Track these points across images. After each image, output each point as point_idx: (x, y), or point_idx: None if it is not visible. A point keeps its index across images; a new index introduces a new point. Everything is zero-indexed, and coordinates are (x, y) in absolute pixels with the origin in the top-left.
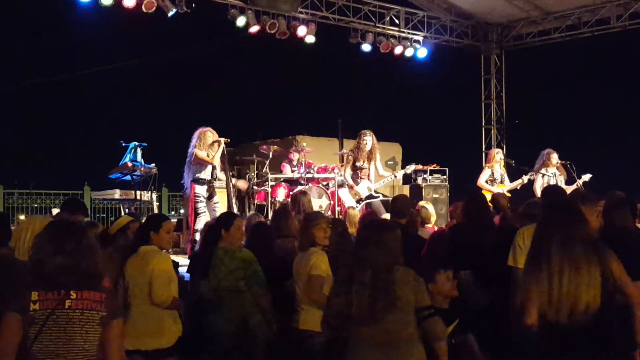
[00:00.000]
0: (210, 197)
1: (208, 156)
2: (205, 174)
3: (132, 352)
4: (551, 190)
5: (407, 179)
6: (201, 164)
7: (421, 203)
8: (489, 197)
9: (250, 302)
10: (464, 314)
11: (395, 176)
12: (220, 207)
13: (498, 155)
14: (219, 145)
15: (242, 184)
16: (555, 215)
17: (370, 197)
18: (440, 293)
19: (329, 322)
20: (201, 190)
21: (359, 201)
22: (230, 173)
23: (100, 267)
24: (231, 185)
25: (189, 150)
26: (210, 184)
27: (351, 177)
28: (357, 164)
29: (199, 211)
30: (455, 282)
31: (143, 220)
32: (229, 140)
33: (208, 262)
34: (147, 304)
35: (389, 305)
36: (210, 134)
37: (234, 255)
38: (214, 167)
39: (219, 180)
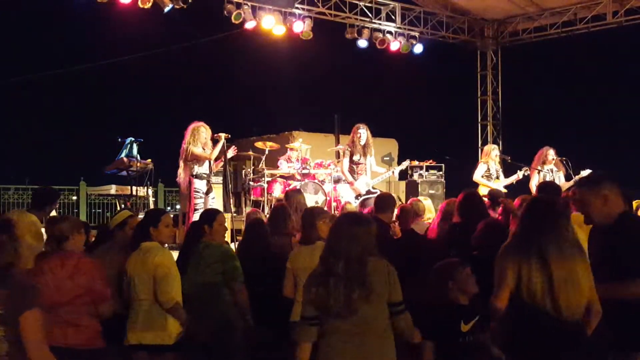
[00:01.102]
0: (207, 192)
1: (204, 151)
2: (204, 169)
3: (136, 347)
4: (546, 187)
5: (403, 175)
6: (198, 159)
7: (419, 198)
8: (485, 191)
9: (227, 297)
10: (483, 312)
11: (392, 172)
12: (216, 203)
13: (494, 151)
14: (219, 140)
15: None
16: (542, 212)
17: (369, 192)
18: (460, 290)
19: (304, 314)
20: (201, 185)
21: (357, 197)
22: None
23: (16, 262)
24: (229, 182)
25: (183, 145)
26: (209, 179)
27: (349, 172)
28: (354, 158)
29: (197, 207)
30: (474, 278)
31: (138, 216)
32: (229, 136)
33: (187, 258)
34: (150, 300)
35: (364, 296)
36: (204, 129)
37: (214, 249)
38: (210, 162)
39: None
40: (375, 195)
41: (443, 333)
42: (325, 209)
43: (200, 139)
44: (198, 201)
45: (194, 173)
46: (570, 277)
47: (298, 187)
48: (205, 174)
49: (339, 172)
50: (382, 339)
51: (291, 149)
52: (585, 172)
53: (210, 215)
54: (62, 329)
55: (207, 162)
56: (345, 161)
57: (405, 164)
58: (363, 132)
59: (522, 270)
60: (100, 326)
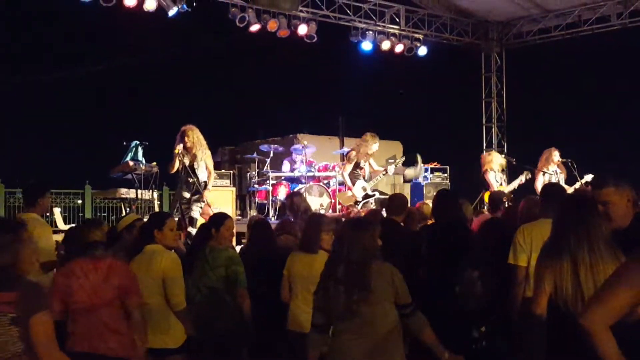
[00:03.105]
0: (193, 196)
1: (175, 163)
2: (184, 174)
3: None
4: (551, 188)
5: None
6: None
7: (426, 202)
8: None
9: (228, 301)
10: (494, 317)
11: (386, 171)
12: (198, 208)
13: (497, 160)
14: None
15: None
16: (574, 209)
17: (366, 196)
18: (468, 294)
19: (313, 320)
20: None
21: (356, 203)
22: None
23: (18, 264)
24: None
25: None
26: (191, 183)
27: (349, 176)
28: (359, 164)
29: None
30: (484, 282)
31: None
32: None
33: (193, 259)
34: (155, 303)
35: (363, 298)
36: (191, 132)
37: (219, 253)
38: (194, 168)
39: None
40: (373, 197)
41: (453, 339)
42: (330, 211)
43: (193, 140)
44: (184, 207)
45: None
46: (600, 281)
47: (298, 190)
48: (187, 178)
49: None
50: (388, 339)
51: (295, 152)
52: (588, 177)
53: (219, 219)
54: (100, 334)
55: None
56: (350, 167)
57: (399, 161)
58: (376, 146)
59: (555, 274)
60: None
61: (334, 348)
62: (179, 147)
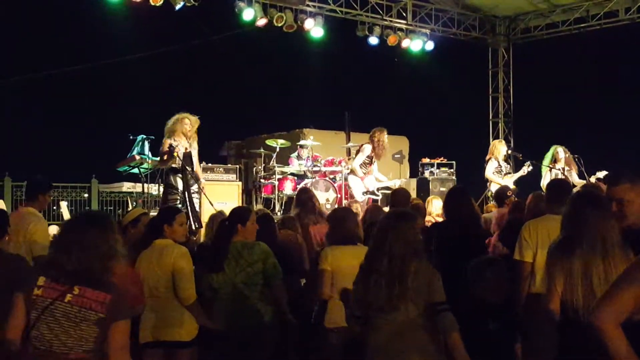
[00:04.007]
0: (186, 186)
1: (166, 156)
2: (177, 162)
3: (151, 344)
4: (556, 184)
5: (414, 172)
6: (161, 151)
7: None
8: (496, 187)
9: (265, 295)
10: (512, 312)
11: (395, 184)
12: (197, 200)
13: (502, 149)
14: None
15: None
16: (587, 208)
17: (373, 193)
18: (490, 288)
19: (353, 312)
20: (175, 180)
21: (365, 193)
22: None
23: (111, 264)
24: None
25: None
26: (183, 173)
27: (360, 167)
28: (368, 157)
29: (170, 203)
30: (504, 277)
31: (150, 213)
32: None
33: (223, 255)
34: (166, 297)
35: (404, 293)
36: (188, 120)
37: (253, 247)
38: (185, 156)
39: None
40: (377, 197)
41: (468, 330)
42: (336, 206)
43: (183, 130)
44: (171, 197)
45: (169, 167)
46: (609, 281)
47: (307, 186)
48: (179, 167)
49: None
50: (424, 335)
51: (301, 147)
52: (601, 174)
53: (243, 213)
54: None
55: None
56: (361, 157)
57: (398, 182)
58: (386, 140)
59: (565, 274)
60: None
61: (372, 341)
62: (178, 139)
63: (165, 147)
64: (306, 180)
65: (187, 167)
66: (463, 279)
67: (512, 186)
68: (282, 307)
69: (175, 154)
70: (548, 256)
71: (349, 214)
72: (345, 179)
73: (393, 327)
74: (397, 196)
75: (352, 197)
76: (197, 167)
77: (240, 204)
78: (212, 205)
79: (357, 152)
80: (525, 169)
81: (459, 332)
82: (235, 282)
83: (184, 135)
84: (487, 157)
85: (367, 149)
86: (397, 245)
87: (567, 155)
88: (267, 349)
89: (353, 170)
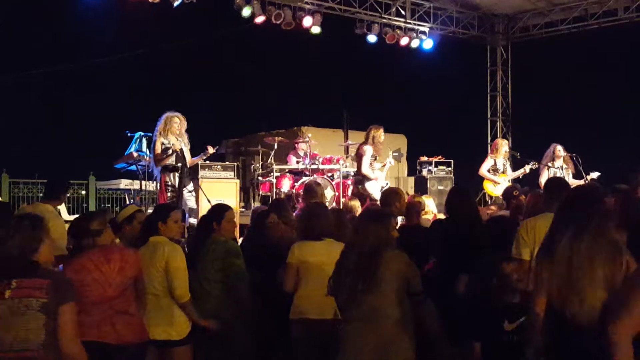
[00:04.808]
0: (182, 185)
1: (162, 153)
2: (171, 160)
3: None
4: (554, 182)
5: (412, 170)
6: (155, 153)
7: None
8: (490, 186)
9: (226, 293)
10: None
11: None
12: (194, 198)
13: (503, 147)
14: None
15: None
16: (574, 204)
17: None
18: (506, 288)
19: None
20: (172, 178)
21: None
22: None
23: (44, 252)
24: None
25: (153, 136)
26: (180, 171)
27: (370, 171)
28: (373, 157)
29: (168, 201)
30: (519, 276)
31: (147, 211)
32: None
33: (196, 252)
34: (159, 295)
35: (368, 287)
36: (178, 119)
37: (218, 245)
38: (178, 155)
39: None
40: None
41: (484, 331)
42: (334, 204)
43: (172, 130)
44: (169, 195)
45: (163, 166)
46: (594, 281)
47: (314, 181)
48: (172, 165)
49: (348, 167)
50: (396, 328)
51: (297, 144)
52: (594, 174)
53: (219, 211)
54: (111, 322)
55: (173, 155)
56: (366, 160)
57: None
58: (382, 137)
59: (550, 271)
60: None
61: (342, 336)
62: (168, 138)
63: (158, 149)
64: (304, 178)
65: (185, 166)
66: (474, 277)
67: (507, 184)
68: (243, 307)
69: (170, 151)
70: (537, 254)
71: (322, 210)
72: (359, 184)
73: (359, 322)
74: (387, 196)
75: (373, 200)
76: (191, 162)
77: (238, 202)
78: (209, 202)
79: (359, 157)
80: (528, 168)
81: (438, 319)
82: (201, 279)
83: (172, 135)
84: (487, 155)
85: (369, 149)
86: (367, 242)
87: (565, 154)
88: (233, 348)
89: (365, 176)
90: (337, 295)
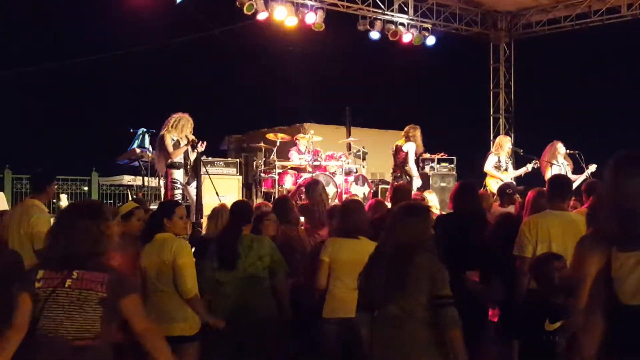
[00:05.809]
0: (188, 182)
1: (173, 147)
2: (179, 158)
3: None
4: (557, 180)
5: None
6: (167, 150)
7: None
8: (493, 182)
9: (268, 289)
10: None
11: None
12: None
13: (506, 144)
14: (188, 144)
15: None
16: None
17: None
18: (550, 287)
19: (359, 298)
20: (178, 175)
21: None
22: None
23: (104, 248)
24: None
25: (160, 133)
26: (186, 168)
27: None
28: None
29: (175, 198)
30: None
31: (150, 207)
32: (196, 140)
33: (233, 249)
34: (169, 291)
35: (400, 285)
36: (186, 120)
37: (263, 242)
38: (187, 151)
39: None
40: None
41: (523, 329)
42: (336, 201)
43: (180, 129)
44: (176, 192)
45: (169, 163)
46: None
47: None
48: (181, 163)
49: (350, 164)
50: (422, 329)
51: (297, 140)
52: (592, 167)
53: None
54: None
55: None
56: (412, 157)
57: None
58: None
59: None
60: None
61: (374, 333)
62: (179, 136)
63: (168, 141)
64: (306, 175)
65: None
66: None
67: (509, 181)
68: (284, 302)
69: (197, 146)
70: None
71: (359, 207)
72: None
73: (387, 317)
74: (398, 193)
75: None
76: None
77: (241, 198)
78: (217, 196)
79: (401, 156)
80: (530, 166)
81: (460, 329)
82: (240, 276)
83: (183, 133)
84: (490, 152)
85: (412, 147)
86: (405, 237)
87: (565, 151)
88: (269, 343)
89: (411, 174)
90: (366, 291)
